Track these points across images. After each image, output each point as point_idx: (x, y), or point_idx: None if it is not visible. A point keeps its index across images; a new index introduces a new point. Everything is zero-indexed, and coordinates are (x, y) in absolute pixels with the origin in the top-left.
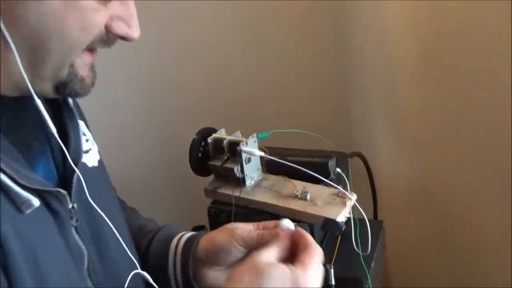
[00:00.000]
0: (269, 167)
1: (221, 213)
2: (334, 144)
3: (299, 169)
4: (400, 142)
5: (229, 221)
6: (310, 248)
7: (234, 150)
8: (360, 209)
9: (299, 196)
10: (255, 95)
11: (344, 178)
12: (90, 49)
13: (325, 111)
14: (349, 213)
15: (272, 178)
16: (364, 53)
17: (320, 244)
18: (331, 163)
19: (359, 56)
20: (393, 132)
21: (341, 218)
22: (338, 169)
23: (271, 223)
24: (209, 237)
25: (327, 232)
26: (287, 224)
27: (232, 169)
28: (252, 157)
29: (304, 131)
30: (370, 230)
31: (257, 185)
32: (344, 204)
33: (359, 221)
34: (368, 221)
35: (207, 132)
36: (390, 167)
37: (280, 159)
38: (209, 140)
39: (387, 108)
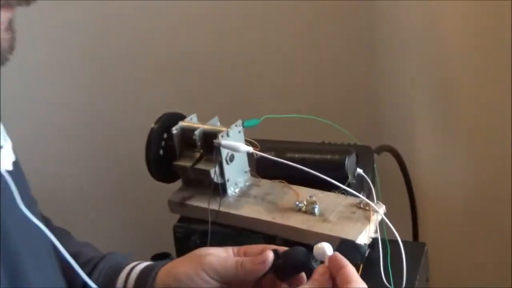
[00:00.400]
0: (260, 168)
1: (192, 234)
2: (354, 136)
3: (303, 170)
4: (451, 136)
5: (203, 245)
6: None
7: (210, 145)
8: (391, 226)
9: (303, 208)
10: (241, 67)
11: (368, 183)
12: (5, 5)
13: (342, 90)
14: (375, 232)
15: (265, 184)
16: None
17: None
18: (349, 161)
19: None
20: (441, 122)
21: (363, 239)
22: (359, 170)
23: (256, 247)
24: (171, 268)
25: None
26: (325, 248)
27: (208, 172)
28: (236, 154)
29: (311, 117)
30: (407, 256)
31: (244, 194)
32: (368, 219)
33: (391, 244)
34: (404, 243)
35: (171, 119)
36: (435, 169)
37: (277, 156)
38: (174, 130)
39: (433, 88)
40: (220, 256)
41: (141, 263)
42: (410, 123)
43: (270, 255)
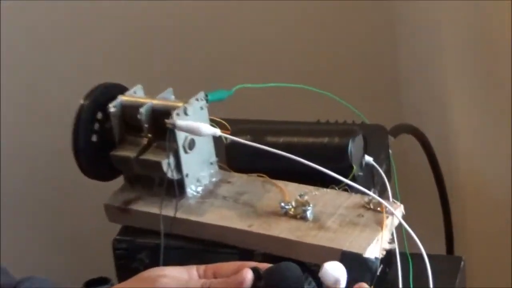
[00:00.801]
0: (232, 158)
1: (139, 251)
2: (362, 113)
3: (290, 159)
4: (496, 116)
5: (155, 265)
6: None
7: (161, 127)
8: (413, 233)
9: (291, 212)
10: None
11: (380, 176)
12: None
13: (345, 54)
14: (391, 242)
15: (239, 179)
16: None
17: None
18: (354, 146)
19: None
20: (483, 97)
21: (373, 252)
22: (368, 158)
23: (230, 265)
24: None
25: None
26: (333, 271)
27: (159, 165)
28: (197, 139)
29: (300, 86)
30: (436, 274)
31: (210, 194)
32: (381, 225)
33: (413, 258)
34: (432, 258)
35: (107, 92)
36: (475, 159)
37: (254, 141)
38: (112, 108)
39: (470, 52)
40: (179, 279)
41: None
42: (440, 98)
43: (249, 275)
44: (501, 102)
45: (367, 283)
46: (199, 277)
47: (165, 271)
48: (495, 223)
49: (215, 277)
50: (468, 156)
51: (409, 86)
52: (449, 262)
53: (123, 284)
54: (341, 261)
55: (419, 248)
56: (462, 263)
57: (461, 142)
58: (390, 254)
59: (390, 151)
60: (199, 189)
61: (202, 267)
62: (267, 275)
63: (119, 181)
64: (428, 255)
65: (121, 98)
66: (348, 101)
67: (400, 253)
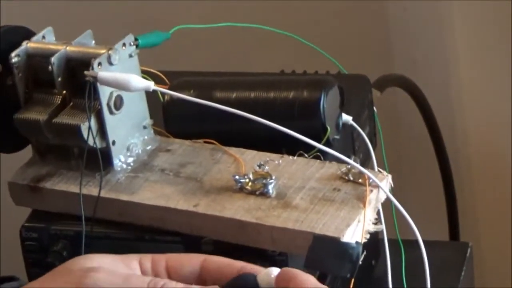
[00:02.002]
0: (172, 120)
1: (54, 242)
2: (341, 64)
3: (245, 119)
4: None
5: (74, 254)
6: None
7: (78, 81)
8: (404, 212)
9: (248, 186)
10: None
11: (362, 140)
12: None
13: None
14: (376, 223)
15: (181, 147)
16: None
17: None
18: (327, 100)
19: None
20: (496, 42)
21: (353, 235)
22: (345, 117)
23: (191, 260)
24: None
25: (322, 273)
26: (273, 273)
27: (76, 129)
28: (126, 95)
29: (263, 27)
30: (434, 264)
31: (143, 166)
32: (362, 201)
33: (406, 246)
34: (430, 244)
35: (7, 38)
36: (486, 123)
37: (199, 97)
38: (14, 58)
39: None
40: (117, 274)
41: None
42: (439, 43)
43: None
44: None
45: (346, 275)
46: (144, 273)
47: (95, 261)
48: (508, 202)
49: (169, 274)
50: (475, 118)
51: (400, 31)
52: (453, 249)
53: (39, 281)
54: (312, 248)
55: (413, 232)
56: (469, 249)
57: (466, 99)
58: (376, 242)
59: (375, 109)
60: (130, 160)
61: (148, 258)
62: None
63: (27, 153)
64: (427, 242)
65: (26, 45)
66: (324, 49)
67: (390, 240)
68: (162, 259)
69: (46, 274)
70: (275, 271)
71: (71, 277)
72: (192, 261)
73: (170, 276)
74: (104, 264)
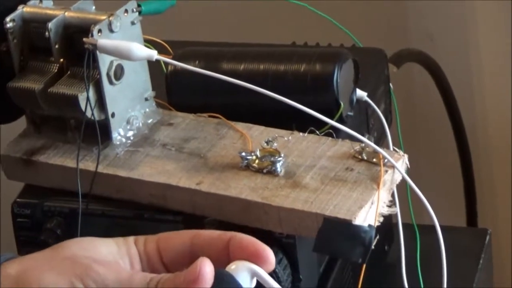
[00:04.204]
0: (175, 92)
1: (48, 218)
2: (356, 37)
3: (253, 92)
4: None
5: (68, 237)
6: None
7: (77, 48)
8: (421, 194)
9: (255, 164)
10: None
11: (377, 117)
12: None
13: None
14: (391, 205)
15: (184, 121)
16: None
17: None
18: (341, 74)
19: None
20: None
21: (366, 218)
22: (360, 92)
23: (180, 237)
24: (22, 273)
25: (331, 258)
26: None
27: (74, 99)
28: (126, 64)
29: None
30: (455, 249)
31: (144, 140)
32: (376, 182)
33: (422, 230)
34: (451, 230)
35: (0, 1)
36: (508, 103)
37: (205, 67)
38: (9, 23)
39: None
40: (116, 272)
41: None
42: (460, 18)
43: (207, 268)
44: None
45: (358, 261)
46: (139, 255)
47: (91, 246)
48: None
49: (160, 255)
50: (495, 96)
51: (418, 4)
52: (472, 236)
53: (37, 257)
54: (322, 230)
55: (429, 216)
56: (488, 236)
57: (486, 76)
58: (390, 226)
59: (391, 85)
60: (130, 134)
61: (142, 240)
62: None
63: (21, 124)
64: (443, 227)
65: (22, 10)
66: (339, 21)
67: (405, 224)
68: (154, 240)
69: (41, 253)
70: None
71: (67, 263)
72: (182, 238)
73: (161, 257)
74: (99, 253)
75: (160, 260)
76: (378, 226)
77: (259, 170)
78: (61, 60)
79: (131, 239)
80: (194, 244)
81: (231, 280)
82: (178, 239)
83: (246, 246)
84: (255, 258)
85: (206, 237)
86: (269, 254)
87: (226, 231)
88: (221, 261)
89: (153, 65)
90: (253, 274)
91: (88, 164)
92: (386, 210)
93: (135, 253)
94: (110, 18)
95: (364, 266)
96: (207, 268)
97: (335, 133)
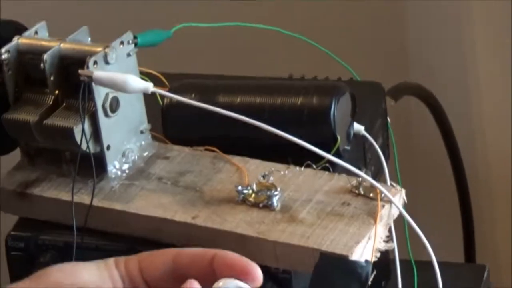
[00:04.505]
0: (172, 125)
1: (41, 252)
2: (355, 70)
3: (250, 126)
4: None
5: None
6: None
7: (72, 80)
8: (418, 230)
9: (251, 198)
10: None
11: (374, 151)
12: None
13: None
14: (387, 239)
15: (180, 154)
16: None
17: None
18: (338, 108)
19: None
20: None
21: (362, 253)
22: (357, 126)
23: (163, 256)
24: None
25: None
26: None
27: (69, 132)
28: (122, 97)
29: (272, 28)
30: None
31: (140, 173)
32: (373, 217)
33: (419, 267)
34: (448, 266)
35: None
36: (507, 138)
37: (201, 100)
38: (4, 54)
39: None
40: (96, 275)
41: None
42: (459, 54)
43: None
44: None
45: None
46: (121, 277)
47: (75, 270)
48: None
49: (142, 275)
50: (495, 131)
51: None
52: (470, 272)
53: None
54: (318, 266)
55: (427, 252)
56: (486, 273)
57: (486, 111)
58: (387, 262)
59: (388, 118)
60: (125, 167)
61: (122, 262)
62: None
63: (16, 156)
64: (442, 263)
65: (17, 41)
66: (337, 54)
67: (402, 260)
68: (135, 260)
69: (28, 281)
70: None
71: (45, 280)
72: (164, 257)
73: (144, 277)
74: (82, 277)
75: (142, 279)
76: (375, 262)
77: (255, 204)
78: (56, 91)
79: (111, 261)
80: (177, 263)
81: None
82: (160, 258)
83: (232, 263)
84: (243, 275)
85: (189, 255)
86: (257, 271)
87: (209, 249)
88: (205, 279)
89: (149, 98)
90: None
91: (83, 197)
92: (383, 246)
93: (117, 275)
94: (106, 50)
95: None
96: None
97: (332, 167)
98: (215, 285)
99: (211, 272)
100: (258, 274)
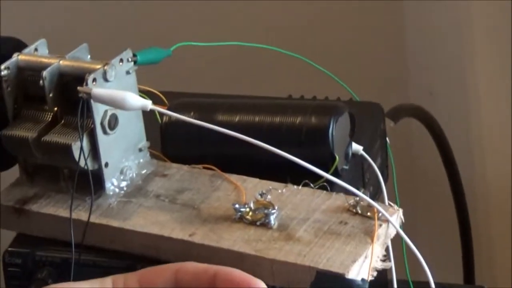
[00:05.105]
0: (170, 143)
1: (39, 268)
2: (354, 91)
3: (248, 145)
4: None
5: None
6: None
7: (71, 97)
8: (416, 251)
9: (249, 216)
10: None
11: (373, 171)
12: None
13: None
14: (385, 260)
15: (178, 172)
16: None
17: None
18: (337, 127)
19: None
20: None
21: (359, 272)
22: (356, 146)
23: (163, 272)
24: None
25: None
26: None
27: (67, 149)
28: (121, 114)
29: (271, 47)
30: None
31: (138, 191)
32: (370, 236)
33: (417, 287)
34: (447, 287)
35: None
36: (506, 159)
37: (200, 119)
38: (3, 70)
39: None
40: None
41: None
42: (459, 77)
43: None
44: None
45: None
46: None
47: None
48: None
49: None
50: (495, 154)
51: (418, 59)
52: None
53: None
54: (316, 283)
55: (424, 272)
56: None
57: (486, 134)
58: (385, 282)
59: (387, 139)
60: (123, 184)
61: (121, 280)
62: None
63: (14, 172)
64: (440, 284)
65: (17, 58)
66: (336, 75)
67: (399, 280)
68: (134, 278)
69: None
70: None
71: None
72: (165, 274)
73: None
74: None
75: None
76: (371, 281)
77: (252, 223)
78: (55, 108)
79: (108, 280)
80: (179, 279)
81: None
82: (161, 274)
83: (238, 280)
84: None
85: (191, 271)
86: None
87: (211, 265)
88: None
89: (147, 115)
90: None
91: (80, 214)
92: (380, 265)
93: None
94: (105, 67)
95: None
96: None
97: (330, 186)
98: None
99: None
100: None
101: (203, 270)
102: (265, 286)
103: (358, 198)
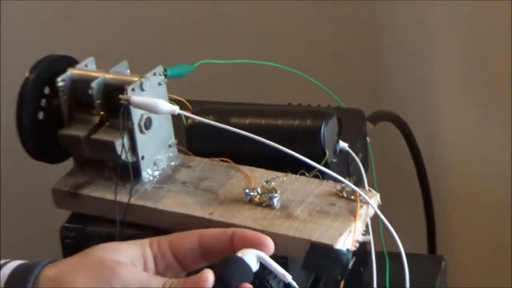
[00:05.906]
0: (193, 140)
1: (89, 240)
2: (341, 99)
3: (256, 142)
4: (489, 106)
5: None
6: None
7: (114, 103)
8: (389, 225)
9: (256, 199)
10: None
11: (356, 164)
12: None
13: (326, 36)
14: (365, 234)
15: (200, 164)
16: None
17: None
18: (328, 129)
19: None
20: (476, 84)
21: (345, 243)
22: (342, 143)
23: (188, 237)
24: (59, 275)
25: (316, 275)
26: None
27: (111, 145)
28: (154, 117)
29: (275, 65)
30: (414, 274)
31: (168, 179)
32: (354, 215)
33: (391, 258)
34: (413, 257)
35: (55, 65)
36: (463, 152)
37: (218, 121)
38: (60, 82)
39: (465, 38)
40: (136, 274)
41: (10, 261)
42: (426, 86)
43: (210, 277)
44: (497, 92)
45: (338, 277)
46: (153, 255)
47: (119, 253)
48: (481, 221)
49: (173, 253)
50: (453, 147)
51: (391, 72)
52: (429, 262)
53: (72, 261)
54: (309, 253)
55: (396, 244)
56: (443, 263)
57: (445, 131)
58: (365, 252)
59: (368, 139)
60: (156, 173)
61: (155, 242)
62: (221, 267)
63: (69, 164)
64: (408, 254)
65: (71, 72)
66: (327, 86)
67: (377, 252)
68: (166, 240)
69: (76, 257)
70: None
71: (98, 266)
72: (190, 238)
73: (174, 255)
74: (126, 257)
75: (173, 257)
76: (354, 251)
77: (259, 204)
78: (102, 112)
79: (146, 241)
80: (202, 241)
81: (242, 262)
82: (187, 238)
83: (250, 237)
84: (260, 246)
85: (211, 234)
86: (270, 242)
87: (226, 228)
88: (227, 252)
89: (175, 118)
90: (258, 258)
91: (122, 197)
92: (361, 238)
93: (149, 254)
94: (141, 80)
95: (343, 282)
96: (210, 277)
97: (321, 176)
98: (238, 253)
99: (231, 247)
100: (271, 244)
101: (222, 232)
102: (272, 242)
103: (344, 185)
